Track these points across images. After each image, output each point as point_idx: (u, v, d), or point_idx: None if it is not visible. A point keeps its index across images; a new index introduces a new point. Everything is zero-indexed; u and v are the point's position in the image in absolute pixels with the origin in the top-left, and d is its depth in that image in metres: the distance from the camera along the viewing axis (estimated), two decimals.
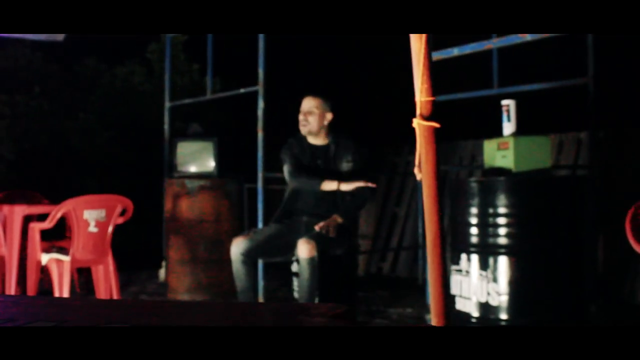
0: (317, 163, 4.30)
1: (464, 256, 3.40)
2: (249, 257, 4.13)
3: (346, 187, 4.09)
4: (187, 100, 6.71)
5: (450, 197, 3.70)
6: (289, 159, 4.33)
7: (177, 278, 5.83)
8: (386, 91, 8.87)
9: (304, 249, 3.91)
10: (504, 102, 3.57)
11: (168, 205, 5.91)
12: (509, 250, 3.26)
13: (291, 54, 8.78)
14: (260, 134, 5.61)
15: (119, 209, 4.96)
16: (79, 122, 8.62)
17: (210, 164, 5.85)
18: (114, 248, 7.88)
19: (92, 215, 4.81)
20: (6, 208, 5.31)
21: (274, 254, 4.23)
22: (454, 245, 3.59)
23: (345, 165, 4.23)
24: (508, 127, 3.53)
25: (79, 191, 7.84)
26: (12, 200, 5.89)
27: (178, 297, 5.76)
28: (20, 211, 5.22)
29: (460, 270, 3.42)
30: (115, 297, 5.03)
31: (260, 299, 5.15)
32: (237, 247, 4.15)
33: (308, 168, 4.30)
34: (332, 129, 4.35)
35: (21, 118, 7.48)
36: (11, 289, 5.17)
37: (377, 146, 7.50)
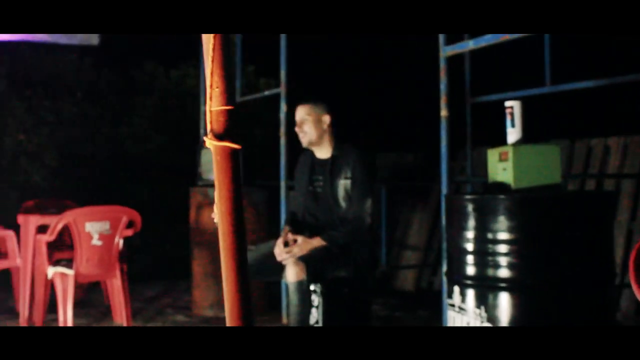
0: (314, 186, 3.87)
1: (457, 289, 2.85)
2: None
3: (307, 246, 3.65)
4: None
5: (446, 217, 3.16)
6: (295, 182, 4.04)
7: (200, 293, 5.50)
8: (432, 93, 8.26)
9: (291, 272, 3.47)
10: (508, 103, 3.00)
11: (192, 215, 5.60)
12: (510, 285, 2.69)
13: (317, 55, 8.29)
14: (282, 140, 5.21)
15: (124, 221, 4.67)
16: (131, 128, 8.47)
17: None
18: (155, 256, 7.78)
19: (94, 228, 4.54)
20: (21, 218, 5.13)
21: (269, 274, 3.80)
22: (448, 275, 3.04)
23: (342, 184, 3.75)
24: (512, 134, 2.95)
25: (127, 198, 7.71)
26: (35, 210, 5.73)
27: (202, 312, 5.43)
28: (34, 221, 5.02)
29: (453, 306, 2.88)
30: (124, 313, 4.74)
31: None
32: None
33: (306, 193, 3.89)
34: (337, 139, 3.90)
35: (65, 124, 7.37)
36: (25, 301, 4.99)
37: (425, 152, 6.94)
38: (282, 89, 5.13)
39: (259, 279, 3.91)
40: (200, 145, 5.69)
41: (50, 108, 7.35)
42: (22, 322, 4.98)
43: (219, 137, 1.17)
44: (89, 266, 4.56)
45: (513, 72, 6.17)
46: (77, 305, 5.67)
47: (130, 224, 4.85)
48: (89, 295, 6.04)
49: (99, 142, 7.79)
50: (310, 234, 3.77)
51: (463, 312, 2.79)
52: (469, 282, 2.79)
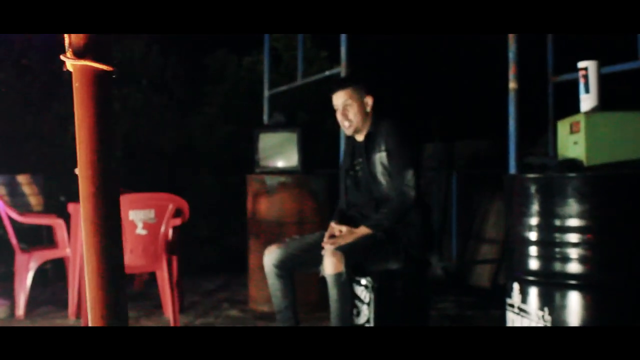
0: (355, 170, 3.48)
1: (516, 287, 2.38)
2: (284, 270, 3.38)
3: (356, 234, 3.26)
4: (282, 88, 6.05)
5: (506, 202, 2.69)
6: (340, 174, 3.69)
7: (256, 287, 5.18)
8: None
9: (328, 263, 3.09)
10: (581, 64, 2.49)
11: (248, 205, 5.29)
12: (581, 282, 2.20)
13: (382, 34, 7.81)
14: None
15: (171, 209, 4.40)
16: (200, 117, 8.30)
17: (294, 158, 5.12)
18: (222, 249, 7.53)
19: (138, 216, 4.29)
20: (71, 207, 4.94)
21: (310, 267, 3.43)
22: (507, 269, 2.57)
23: (378, 158, 3.34)
24: (586, 101, 2.45)
25: (192, 189, 7.54)
26: None
27: (258, 308, 5.12)
28: None
29: (512, 306, 2.41)
30: (170, 307, 4.47)
31: None
32: (270, 257, 3.42)
33: (347, 180, 3.53)
34: (376, 117, 3.49)
35: (131, 113, 7.23)
36: (73, 293, 4.80)
37: (504, 138, 6.37)
38: (342, 68, 4.74)
39: (302, 270, 3.54)
40: (258, 129, 5.36)
41: (116, 96, 7.21)
42: (71, 314, 4.80)
43: (79, 53, 0.79)
44: (133, 257, 4.31)
45: (599, 47, 5.55)
46: (133, 298, 5.49)
47: (178, 213, 4.58)
48: (148, 288, 5.84)
49: (165, 131, 7.63)
50: (356, 225, 3.39)
51: (524, 314, 2.33)
52: (531, 278, 2.33)
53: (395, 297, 3.41)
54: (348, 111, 3.43)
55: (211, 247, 7.64)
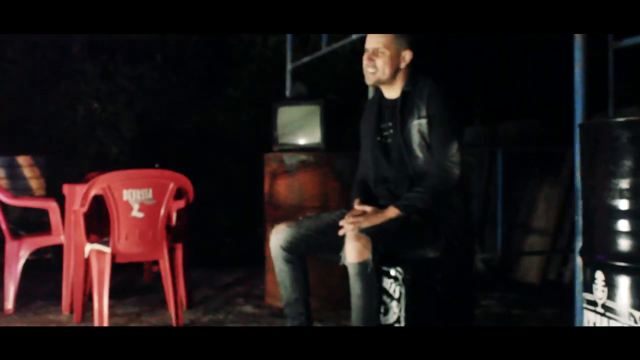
0: (383, 136, 2.86)
1: (599, 277, 1.74)
2: (294, 254, 2.78)
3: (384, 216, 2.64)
4: (305, 59, 5.44)
5: (582, 159, 2.04)
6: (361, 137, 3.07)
7: (273, 280, 4.55)
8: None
9: (350, 249, 2.48)
10: None
11: (266, 186, 4.69)
12: None
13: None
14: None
15: (171, 189, 3.82)
16: (222, 100, 7.78)
17: (316, 134, 4.51)
18: (246, 239, 6.97)
19: (134, 197, 3.73)
20: (66, 188, 4.39)
21: (327, 251, 2.81)
22: (585, 254, 1.91)
23: (416, 125, 2.72)
24: None
25: (212, 175, 6.99)
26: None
27: (275, 303, 4.52)
28: (80, 192, 4.27)
29: (593, 303, 1.77)
30: (172, 301, 3.90)
31: None
32: (277, 237, 2.82)
33: (372, 146, 2.89)
34: (413, 74, 2.87)
35: (146, 93, 6.70)
36: (67, 285, 4.27)
37: (555, 117, 5.68)
38: None
39: (315, 255, 2.93)
40: (277, 102, 4.76)
41: (130, 75, 6.70)
42: (65, 309, 4.26)
43: None
44: (128, 243, 3.75)
45: None
46: (139, 291, 4.95)
47: (181, 195, 4.01)
48: (159, 280, 5.28)
49: (183, 113, 7.11)
50: (384, 204, 2.76)
51: (610, 312, 1.68)
52: (621, 264, 1.68)
53: (431, 291, 2.78)
54: (377, 57, 2.82)
55: (233, 238, 7.11)
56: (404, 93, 2.81)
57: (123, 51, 6.63)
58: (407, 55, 2.82)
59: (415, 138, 2.72)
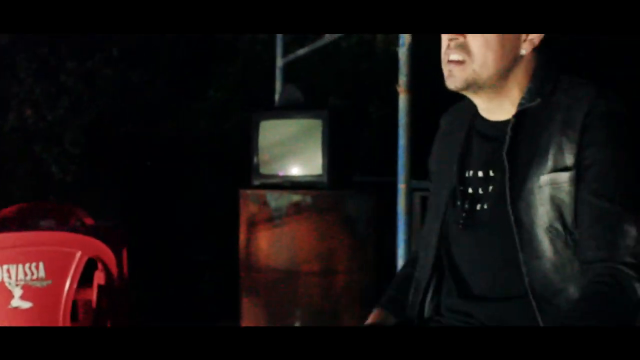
0: (469, 193, 1.39)
1: None
2: None
3: None
4: (300, 51, 4.10)
5: None
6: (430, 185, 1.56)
7: None
8: None
9: None
10: None
11: (242, 238, 3.28)
12: None
13: None
14: (403, 97, 2.72)
15: (78, 259, 2.38)
16: (203, 103, 6.85)
17: (316, 163, 3.10)
18: (230, 274, 5.80)
19: (13, 277, 2.29)
20: None
21: None
22: None
23: (548, 182, 1.30)
24: None
25: (187, 197, 5.81)
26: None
27: None
28: None
29: None
30: None
31: None
32: None
33: (447, 203, 1.42)
34: (545, 75, 1.37)
35: (97, 95, 5.53)
36: None
37: None
38: None
39: None
40: (259, 114, 3.37)
41: (77, 72, 5.50)
42: None
43: None
44: None
45: None
46: None
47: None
48: None
49: (149, 121, 6.00)
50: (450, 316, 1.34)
51: None
52: None
53: None
54: (470, 41, 1.32)
55: (215, 274, 5.99)
56: (522, 112, 1.33)
57: (68, 42, 5.44)
58: (536, 37, 1.33)
59: (546, 203, 1.26)
